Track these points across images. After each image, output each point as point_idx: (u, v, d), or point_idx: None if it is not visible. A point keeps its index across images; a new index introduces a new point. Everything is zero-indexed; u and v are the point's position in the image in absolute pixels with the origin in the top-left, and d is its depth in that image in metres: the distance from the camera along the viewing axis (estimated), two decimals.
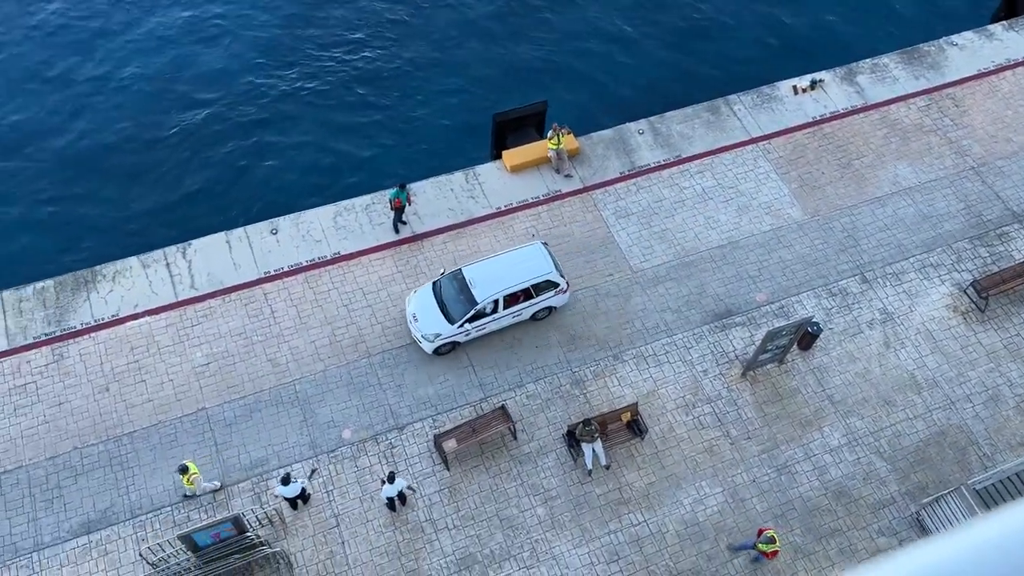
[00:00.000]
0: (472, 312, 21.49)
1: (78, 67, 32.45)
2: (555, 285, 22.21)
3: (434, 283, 22.48)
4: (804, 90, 28.51)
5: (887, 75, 29.06)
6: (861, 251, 25.01)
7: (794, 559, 19.85)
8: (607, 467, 20.75)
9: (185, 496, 19.91)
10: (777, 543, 18.40)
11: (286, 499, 19.44)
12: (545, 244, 22.90)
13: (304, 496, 19.73)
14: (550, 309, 22.90)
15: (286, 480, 18.79)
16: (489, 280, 21.80)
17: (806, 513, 20.55)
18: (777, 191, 26.16)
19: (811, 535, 20.23)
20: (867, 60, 29.63)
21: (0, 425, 20.83)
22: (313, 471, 19.71)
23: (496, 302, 21.71)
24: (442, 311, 21.82)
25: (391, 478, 18.78)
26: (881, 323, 23.62)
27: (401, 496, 19.72)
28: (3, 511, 19.71)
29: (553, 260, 22.42)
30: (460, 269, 22.27)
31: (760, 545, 18.44)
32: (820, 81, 28.74)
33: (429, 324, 21.82)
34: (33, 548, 19.31)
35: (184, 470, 19.04)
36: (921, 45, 30.21)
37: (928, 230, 25.48)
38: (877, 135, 27.56)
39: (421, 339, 21.88)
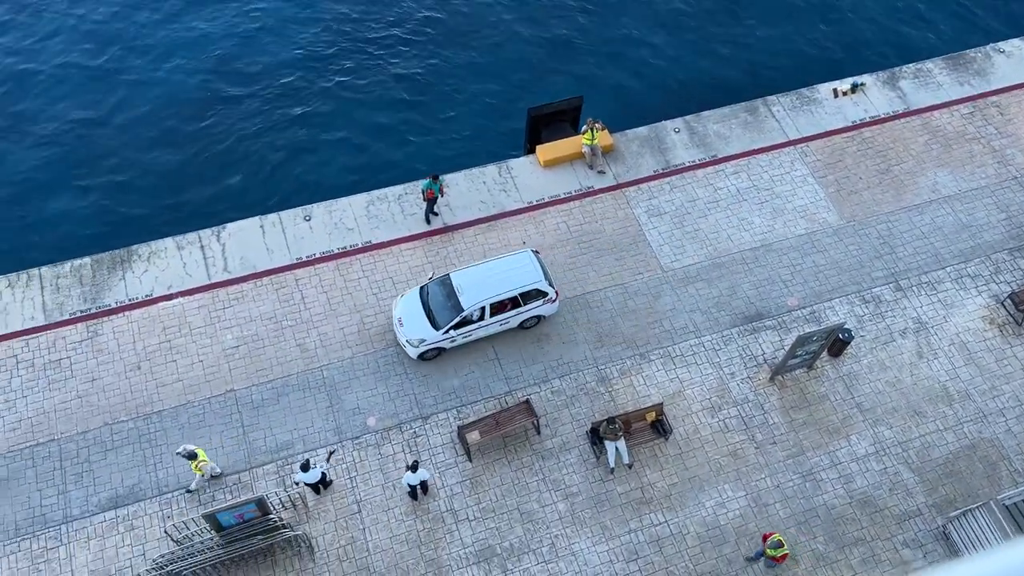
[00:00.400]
0: (458, 319, 21.22)
1: (124, 57, 32.92)
2: (544, 294, 21.85)
3: (421, 288, 22.20)
4: (845, 93, 28.11)
5: (931, 80, 28.55)
6: (896, 258, 24.63)
7: (815, 566, 19.67)
8: (629, 466, 20.69)
9: (188, 491, 20.09)
10: (785, 546, 18.25)
11: (308, 485, 19.63)
12: (536, 252, 22.49)
13: (325, 482, 19.91)
14: (538, 318, 22.60)
15: (306, 466, 18.97)
16: (476, 287, 21.46)
17: (830, 521, 20.34)
18: (813, 195, 25.85)
19: (834, 543, 20.02)
20: (911, 65, 29.14)
21: (34, 398, 21.26)
22: (331, 453, 19.85)
23: (483, 309, 21.40)
24: (428, 316, 21.54)
25: (414, 467, 18.89)
26: (914, 332, 23.26)
27: (423, 485, 19.84)
28: (35, 482, 20.13)
29: (543, 269, 22.03)
30: (448, 274, 21.95)
31: (768, 551, 18.30)
32: (861, 84, 28.32)
33: (414, 329, 21.54)
34: (62, 520, 19.70)
35: (192, 456, 19.14)
36: (967, 51, 29.63)
37: (966, 240, 25.02)
38: (918, 141, 27.10)
39: (406, 344, 21.62)
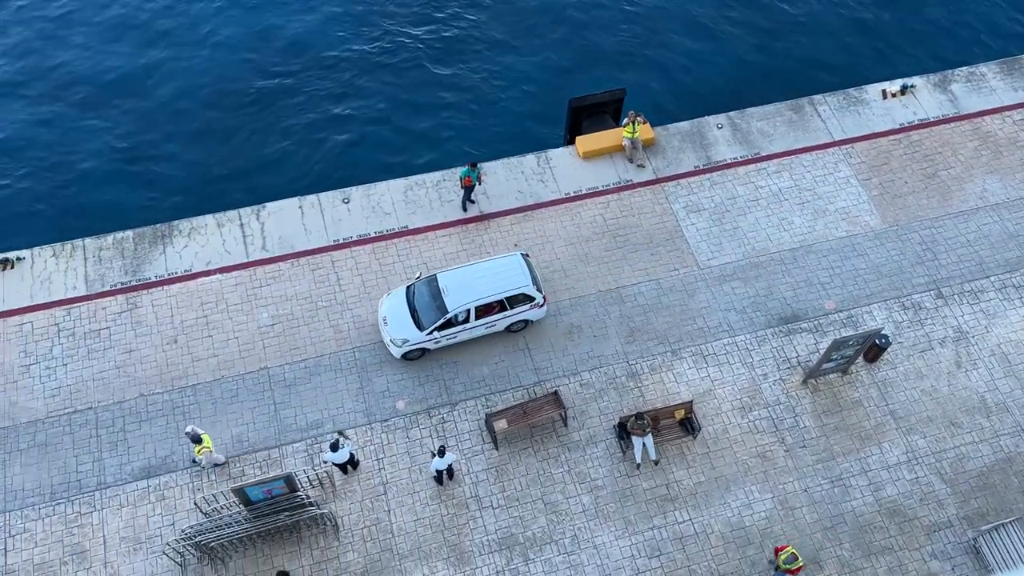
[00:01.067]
0: (442, 320, 21.04)
1: (172, 38, 33.34)
2: (531, 299, 21.59)
3: (408, 287, 22.03)
4: (894, 95, 27.56)
5: (984, 84, 27.87)
6: (939, 265, 24.16)
7: (840, 573, 19.45)
8: (656, 462, 20.61)
9: (193, 462, 20.37)
10: (800, 560, 18.04)
11: (336, 464, 19.85)
12: (526, 255, 22.21)
13: (353, 462, 20.12)
14: (526, 322, 22.37)
15: (335, 446, 19.18)
16: (462, 289, 21.19)
17: (857, 528, 20.08)
18: (856, 197, 25.42)
19: (860, 551, 19.77)
20: (964, 68, 28.48)
21: (74, 367, 21.74)
22: (340, 432, 20.05)
23: (468, 312, 21.17)
24: (412, 317, 21.36)
25: (441, 452, 19.01)
26: (954, 341, 22.82)
27: (449, 470, 19.96)
28: (71, 449, 20.61)
29: (531, 273, 21.73)
30: (435, 275, 21.73)
31: (782, 565, 18.06)
32: (911, 86, 27.74)
33: (398, 329, 21.36)
34: (96, 487, 20.16)
35: (197, 440, 19.27)
36: (1023, 56, 28.88)
37: (1013, 249, 24.45)
38: (967, 146, 26.50)
39: (390, 343, 21.49)
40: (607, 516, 20.10)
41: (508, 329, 22.27)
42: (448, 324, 21.23)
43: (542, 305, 21.94)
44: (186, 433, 19.46)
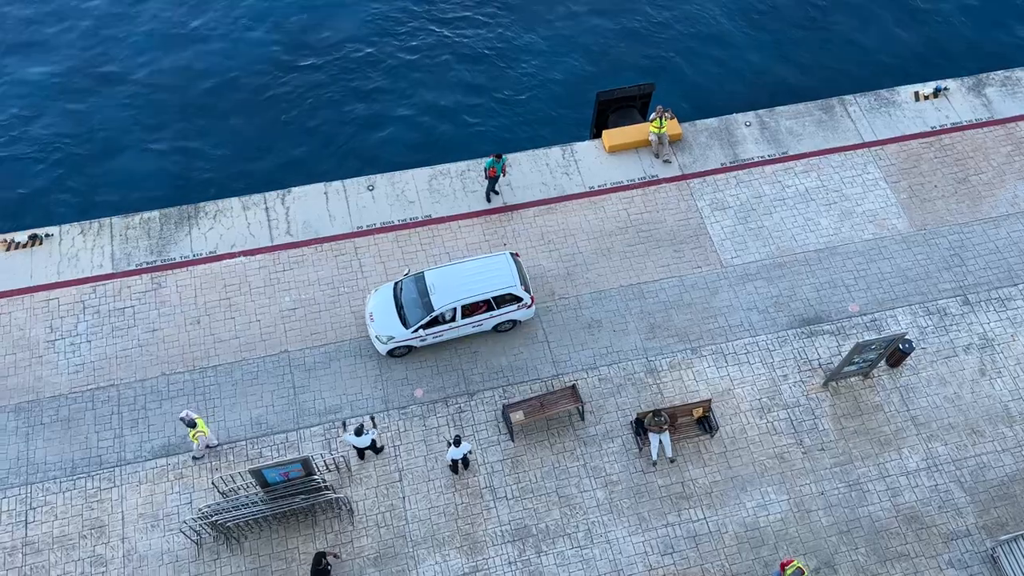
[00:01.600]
0: (428, 319, 20.93)
1: (205, 23, 33.48)
2: (518, 299, 21.43)
3: (395, 284, 21.92)
4: (926, 97, 27.19)
5: (1020, 90, 27.42)
6: (967, 271, 23.85)
7: None
8: (672, 460, 20.55)
9: (194, 459, 20.48)
10: (806, 574, 17.86)
11: (356, 448, 19.95)
12: (515, 255, 22.04)
13: (375, 448, 20.20)
14: (514, 322, 22.23)
15: (359, 431, 19.27)
16: (449, 287, 21.06)
17: (873, 533, 19.93)
18: (884, 200, 25.13)
19: (875, 556, 19.62)
20: (999, 72, 28.02)
21: (98, 344, 22.00)
22: (344, 423, 20.18)
23: (455, 310, 21.05)
24: (399, 314, 21.27)
25: (457, 441, 19.06)
26: (979, 349, 22.53)
27: (464, 460, 20.02)
28: (93, 424, 20.88)
29: (519, 273, 21.55)
30: (423, 272, 21.61)
31: None
32: (945, 89, 27.35)
33: (384, 326, 21.26)
34: (116, 463, 20.42)
35: (192, 424, 19.29)
36: None
37: None
38: (1000, 152, 26.10)
39: (375, 339, 21.41)
40: (621, 512, 20.08)
41: (496, 329, 22.13)
42: (434, 322, 21.13)
43: (529, 306, 21.74)
44: (181, 418, 19.50)
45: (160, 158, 30.13)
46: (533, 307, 21.94)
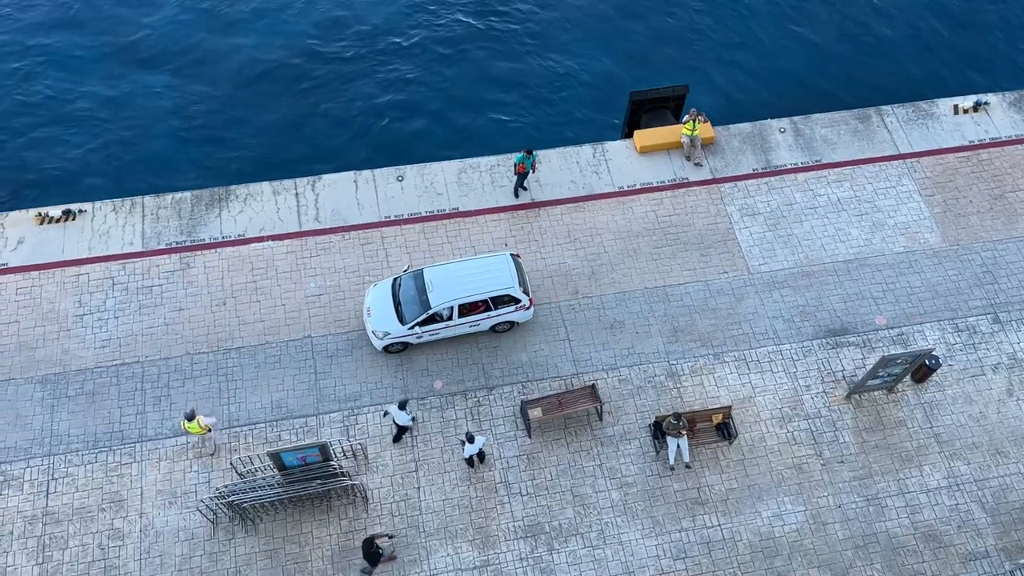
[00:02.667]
0: (424, 316, 20.84)
1: (248, 9, 33.70)
2: (516, 300, 21.29)
3: (394, 280, 21.85)
4: (966, 111, 26.76)
5: None
6: (999, 289, 23.47)
7: None
8: (688, 465, 20.44)
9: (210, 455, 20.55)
10: None
11: (396, 424, 20.09)
12: (515, 256, 21.91)
13: (405, 430, 20.29)
14: (511, 323, 22.06)
15: (403, 405, 19.38)
16: (447, 286, 20.97)
17: (890, 550, 19.70)
18: (917, 213, 24.79)
19: (891, 573, 19.40)
20: None
21: (125, 320, 22.28)
22: (386, 413, 20.31)
23: (452, 309, 20.95)
24: (396, 310, 21.21)
25: (470, 438, 19.09)
26: (1007, 368, 22.17)
27: (480, 454, 20.05)
28: (117, 400, 21.15)
29: (518, 274, 21.40)
30: (422, 269, 21.54)
31: None
32: (985, 103, 26.90)
33: (381, 321, 21.20)
34: (137, 439, 20.68)
35: (191, 417, 19.13)
36: None
37: None
38: None
39: (371, 334, 21.37)
40: (635, 514, 20.01)
41: (493, 329, 22.04)
42: (431, 320, 21.09)
43: (528, 307, 21.63)
44: (186, 416, 19.23)
45: (194, 141, 30.44)
46: (531, 309, 21.83)
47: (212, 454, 20.45)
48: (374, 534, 18.64)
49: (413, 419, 20.12)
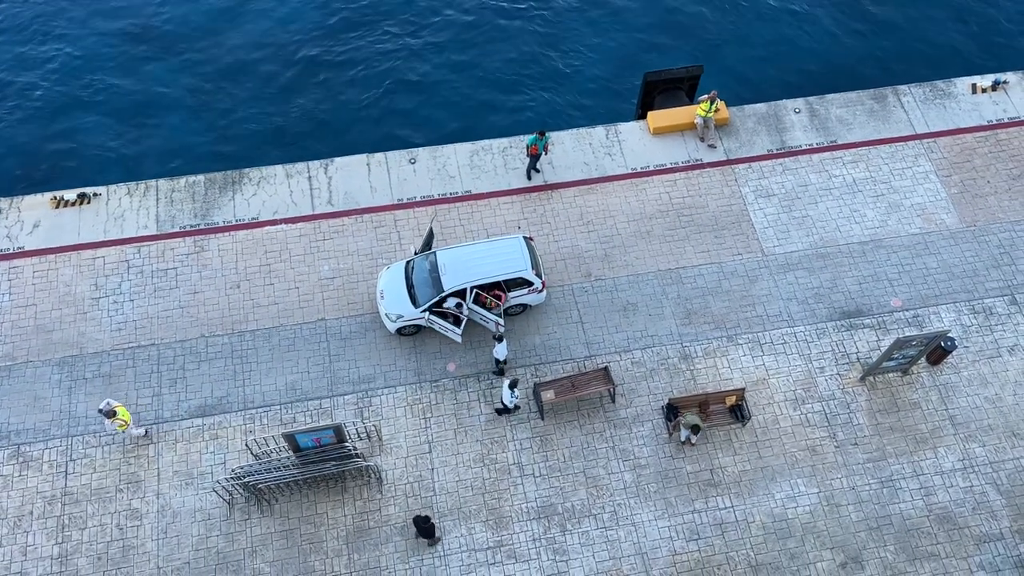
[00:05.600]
0: (437, 299, 20.82)
1: None
2: (529, 283, 21.22)
3: (407, 263, 21.80)
4: (984, 90, 26.42)
5: None
6: (1016, 271, 23.25)
7: (881, 575, 19.12)
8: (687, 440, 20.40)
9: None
10: None
11: (502, 404, 20.36)
12: (528, 239, 21.81)
13: (511, 409, 20.62)
14: (524, 306, 22.02)
15: (514, 384, 19.43)
16: (460, 269, 20.91)
17: (903, 531, 19.68)
18: (934, 194, 24.56)
19: (904, 555, 19.39)
20: None
21: (140, 303, 22.44)
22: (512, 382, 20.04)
23: (464, 292, 20.92)
24: (409, 293, 21.20)
25: (514, 384, 19.30)
26: None
27: (516, 406, 20.31)
28: (133, 382, 21.34)
29: (531, 257, 21.30)
30: (435, 252, 21.46)
31: None
32: (1004, 83, 26.54)
33: (394, 304, 21.19)
34: (154, 420, 20.87)
35: (112, 414, 18.84)
36: None
37: None
38: None
39: (384, 317, 21.38)
40: (648, 495, 20.06)
41: (506, 312, 21.99)
42: (443, 302, 21.11)
43: (541, 290, 21.59)
44: (99, 410, 19.00)
45: (210, 124, 30.49)
46: (544, 292, 21.80)
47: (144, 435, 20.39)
48: (419, 515, 18.77)
49: (517, 407, 20.33)
